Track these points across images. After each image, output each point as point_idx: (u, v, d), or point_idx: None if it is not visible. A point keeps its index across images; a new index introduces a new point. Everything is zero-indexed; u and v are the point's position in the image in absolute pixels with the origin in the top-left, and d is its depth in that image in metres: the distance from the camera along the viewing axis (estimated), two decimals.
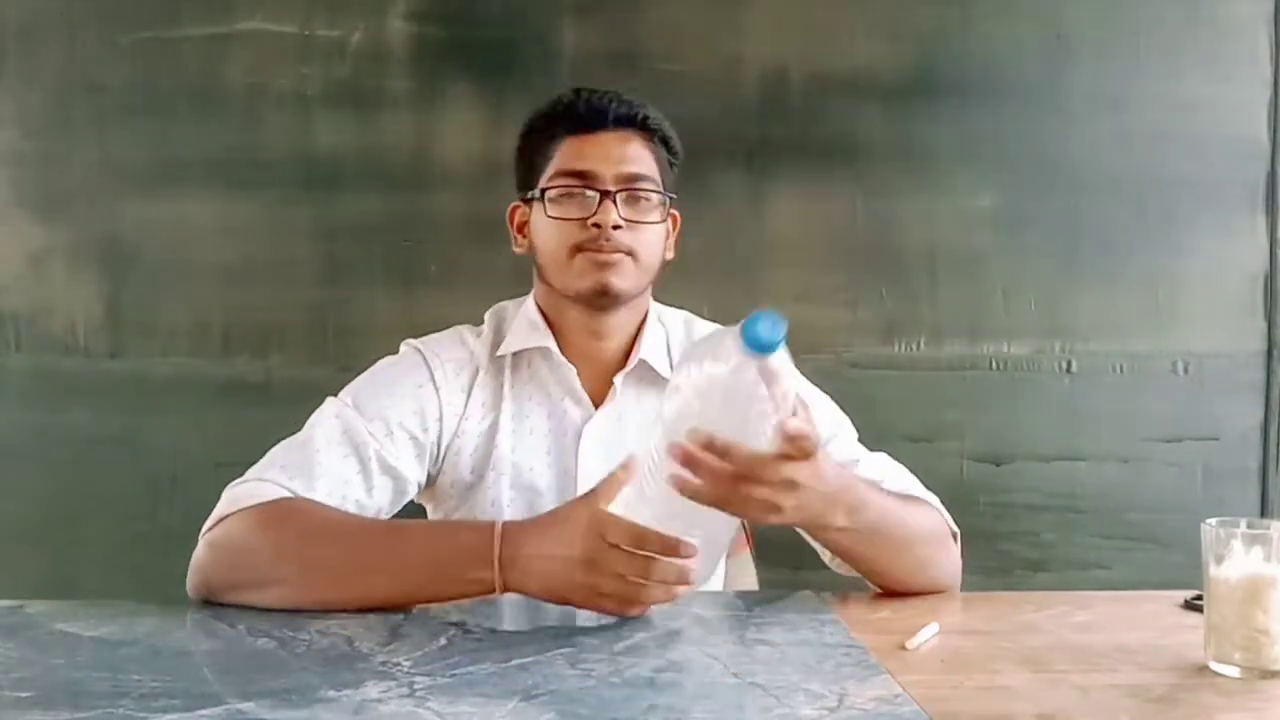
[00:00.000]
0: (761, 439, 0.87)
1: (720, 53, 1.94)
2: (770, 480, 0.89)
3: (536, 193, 1.20)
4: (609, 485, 0.94)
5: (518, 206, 1.26)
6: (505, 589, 0.96)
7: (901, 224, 1.95)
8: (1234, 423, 1.98)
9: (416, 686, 0.80)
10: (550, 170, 1.19)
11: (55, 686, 0.80)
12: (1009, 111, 1.95)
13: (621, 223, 1.16)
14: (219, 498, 1.05)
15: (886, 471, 1.20)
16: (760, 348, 0.82)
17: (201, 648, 0.91)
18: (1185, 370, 1.98)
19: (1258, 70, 1.97)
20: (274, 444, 1.12)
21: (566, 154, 1.19)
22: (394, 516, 1.16)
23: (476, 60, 1.91)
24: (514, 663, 0.84)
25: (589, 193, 1.17)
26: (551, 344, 1.22)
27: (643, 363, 1.23)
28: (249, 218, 1.91)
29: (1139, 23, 1.96)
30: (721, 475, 0.87)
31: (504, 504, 1.20)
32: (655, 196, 1.20)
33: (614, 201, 1.16)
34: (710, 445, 0.86)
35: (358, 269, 1.92)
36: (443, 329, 1.26)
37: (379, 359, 1.23)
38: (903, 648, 0.92)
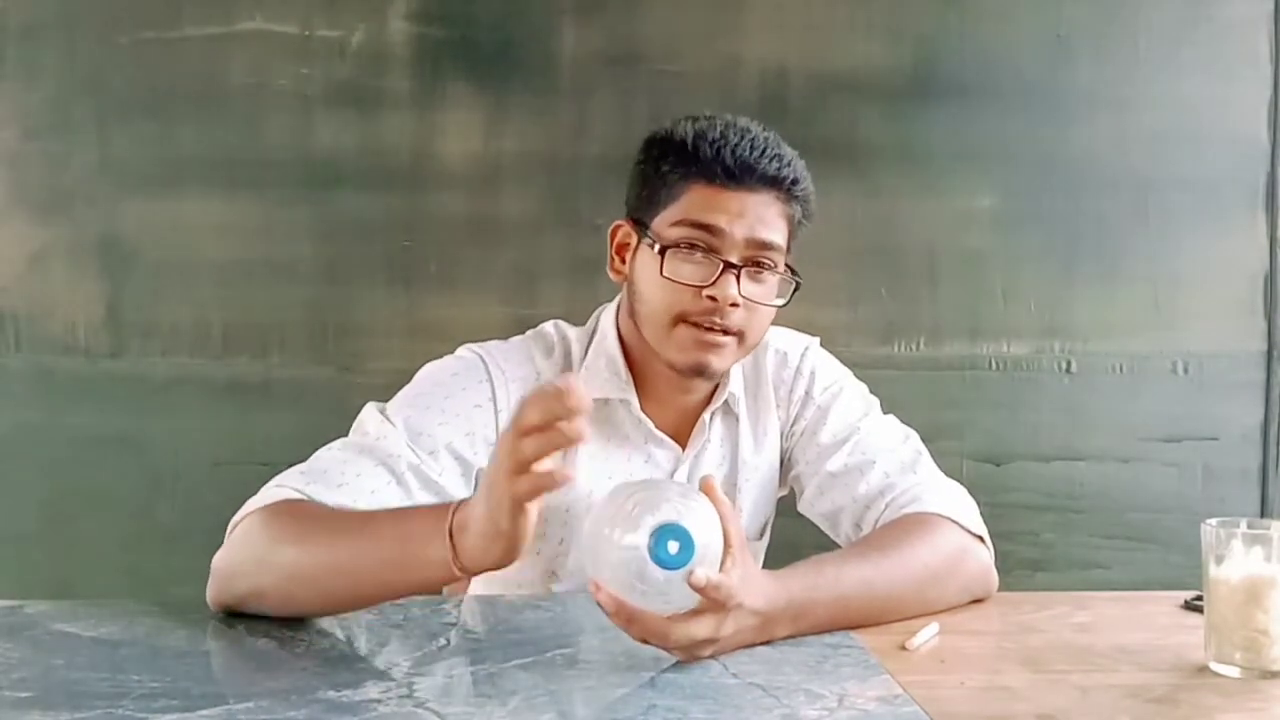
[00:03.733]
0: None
1: (720, 53, 1.94)
2: (680, 644, 0.85)
3: (651, 240, 1.09)
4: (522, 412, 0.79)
5: (621, 226, 1.15)
6: (458, 560, 0.84)
7: (901, 224, 1.95)
8: (1234, 423, 1.98)
9: (416, 686, 0.80)
10: (673, 214, 1.08)
11: (55, 686, 0.80)
12: (1009, 111, 1.95)
13: (740, 301, 1.06)
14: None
15: (902, 471, 1.16)
16: (669, 567, 0.80)
17: (201, 648, 0.91)
18: (1185, 370, 1.98)
19: (1258, 70, 1.97)
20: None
21: (696, 203, 1.07)
22: None
23: (476, 60, 1.91)
24: (513, 663, 0.84)
25: (711, 258, 1.07)
26: (633, 397, 1.15)
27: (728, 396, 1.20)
28: (249, 218, 1.91)
29: (1139, 23, 1.96)
30: (634, 634, 0.84)
31: (572, 548, 1.16)
32: (780, 273, 1.10)
33: (737, 276, 1.07)
34: (619, 610, 0.82)
35: (358, 269, 1.92)
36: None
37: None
38: (903, 648, 0.92)
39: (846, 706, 0.77)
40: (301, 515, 0.97)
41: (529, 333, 1.21)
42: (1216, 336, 1.98)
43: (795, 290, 1.13)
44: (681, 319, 1.08)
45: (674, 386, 1.16)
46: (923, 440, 1.24)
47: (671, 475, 1.18)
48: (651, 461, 1.18)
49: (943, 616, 1.02)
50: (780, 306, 1.12)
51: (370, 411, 1.10)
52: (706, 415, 1.18)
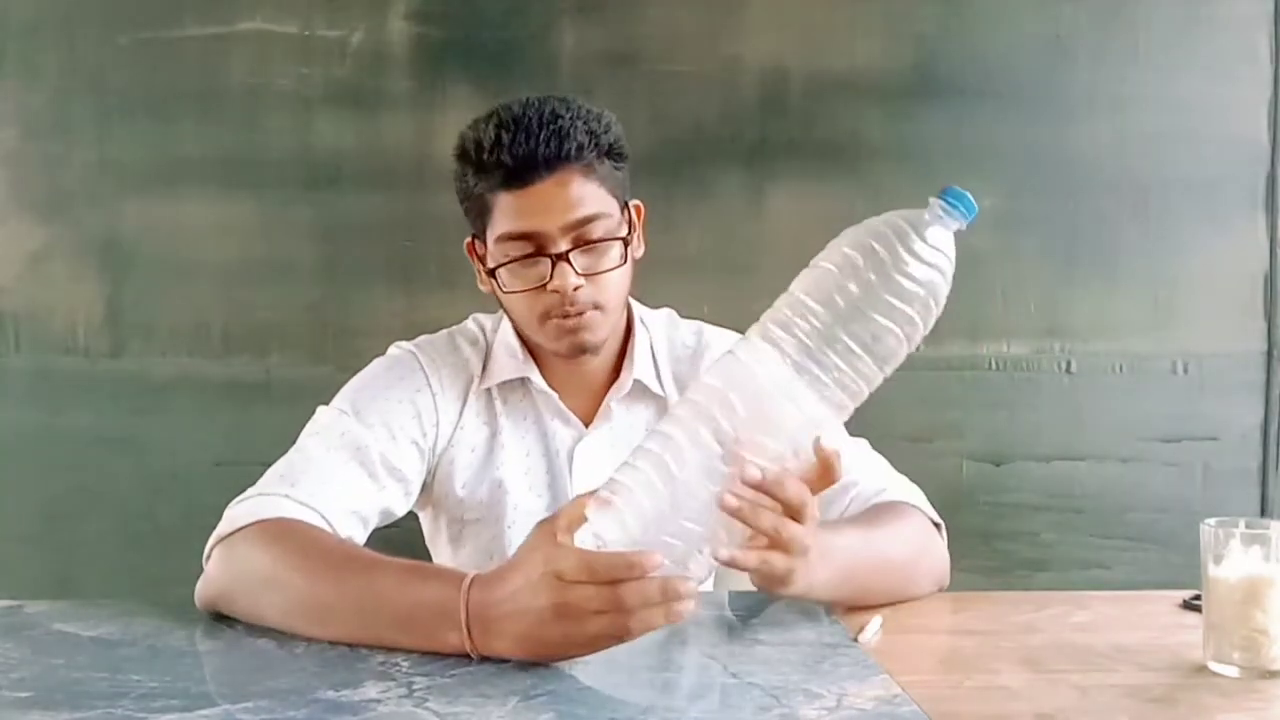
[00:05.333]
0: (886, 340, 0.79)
1: (720, 53, 1.94)
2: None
3: (486, 264, 1.14)
4: (568, 513, 0.81)
5: (472, 242, 1.18)
6: (481, 655, 0.84)
7: None
8: (1234, 423, 1.98)
9: (415, 686, 0.80)
10: (493, 229, 1.11)
11: (55, 686, 0.80)
12: (1009, 112, 1.95)
13: (581, 281, 1.09)
14: (219, 497, 1.04)
15: (863, 466, 1.15)
16: (964, 208, 0.78)
17: (201, 648, 0.91)
18: (1185, 370, 1.98)
19: (1258, 70, 1.97)
20: (273, 444, 1.11)
21: (506, 214, 1.09)
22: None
23: (476, 60, 1.92)
24: (512, 662, 0.84)
25: (539, 257, 1.09)
26: (534, 373, 1.20)
27: (635, 380, 1.20)
28: (249, 218, 1.92)
29: (1139, 23, 1.96)
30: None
31: (505, 528, 1.18)
32: (616, 237, 1.12)
33: (568, 260, 1.09)
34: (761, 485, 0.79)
35: (358, 269, 1.92)
36: (442, 329, 1.25)
37: (378, 359, 1.22)
38: (854, 640, 0.92)
39: (845, 706, 0.77)
40: (307, 541, 0.97)
41: (454, 328, 1.26)
42: (1216, 336, 1.98)
43: (630, 233, 1.13)
44: (544, 317, 1.12)
45: (567, 364, 1.19)
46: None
47: (569, 452, 1.20)
48: (555, 438, 1.20)
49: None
50: (621, 264, 1.12)
51: (323, 411, 1.15)
52: (612, 401, 1.20)
